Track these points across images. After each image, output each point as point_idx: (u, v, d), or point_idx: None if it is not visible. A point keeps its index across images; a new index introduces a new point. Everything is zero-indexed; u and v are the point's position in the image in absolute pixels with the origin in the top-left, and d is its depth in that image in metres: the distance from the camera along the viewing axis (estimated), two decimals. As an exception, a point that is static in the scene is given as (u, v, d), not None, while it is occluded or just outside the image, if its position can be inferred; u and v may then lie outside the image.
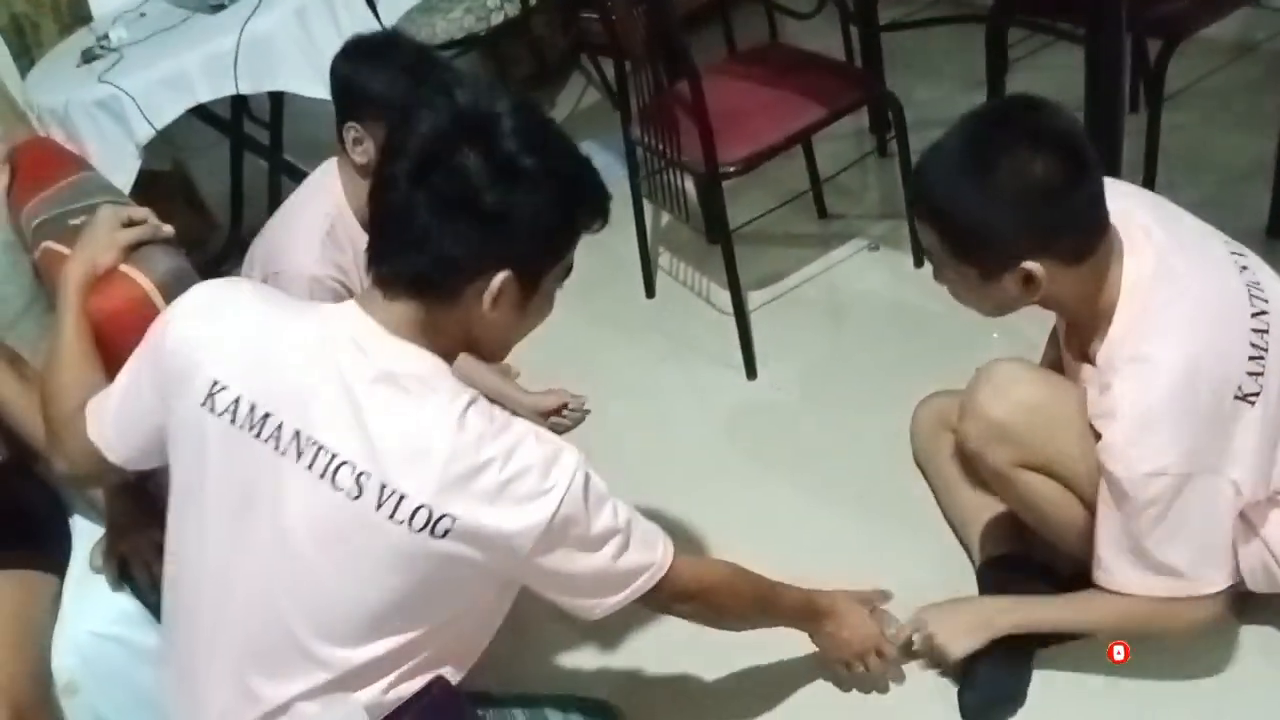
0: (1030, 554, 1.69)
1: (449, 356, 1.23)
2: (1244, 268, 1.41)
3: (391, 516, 1.14)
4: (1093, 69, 1.79)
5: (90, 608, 1.58)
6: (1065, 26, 2.28)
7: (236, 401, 1.19)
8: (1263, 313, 1.37)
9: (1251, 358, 1.34)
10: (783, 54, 2.57)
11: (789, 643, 1.75)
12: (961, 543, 1.82)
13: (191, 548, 1.24)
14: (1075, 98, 1.85)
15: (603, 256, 2.84)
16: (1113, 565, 1.41)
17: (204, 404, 1.20)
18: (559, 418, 2.28)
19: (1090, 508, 1.43)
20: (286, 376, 1.19)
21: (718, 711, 1.73)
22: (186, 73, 2.47)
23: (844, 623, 1.62)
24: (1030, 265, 1.33)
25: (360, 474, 1.14)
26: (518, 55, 3.62)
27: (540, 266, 1.21)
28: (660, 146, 2.31)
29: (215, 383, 1.20)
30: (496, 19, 3.14)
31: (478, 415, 1.18)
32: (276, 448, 1.17)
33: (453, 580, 1.20)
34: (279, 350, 1.21)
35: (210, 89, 2.52)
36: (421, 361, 1.19)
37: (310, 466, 1.16)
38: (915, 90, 2.88)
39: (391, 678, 1.22)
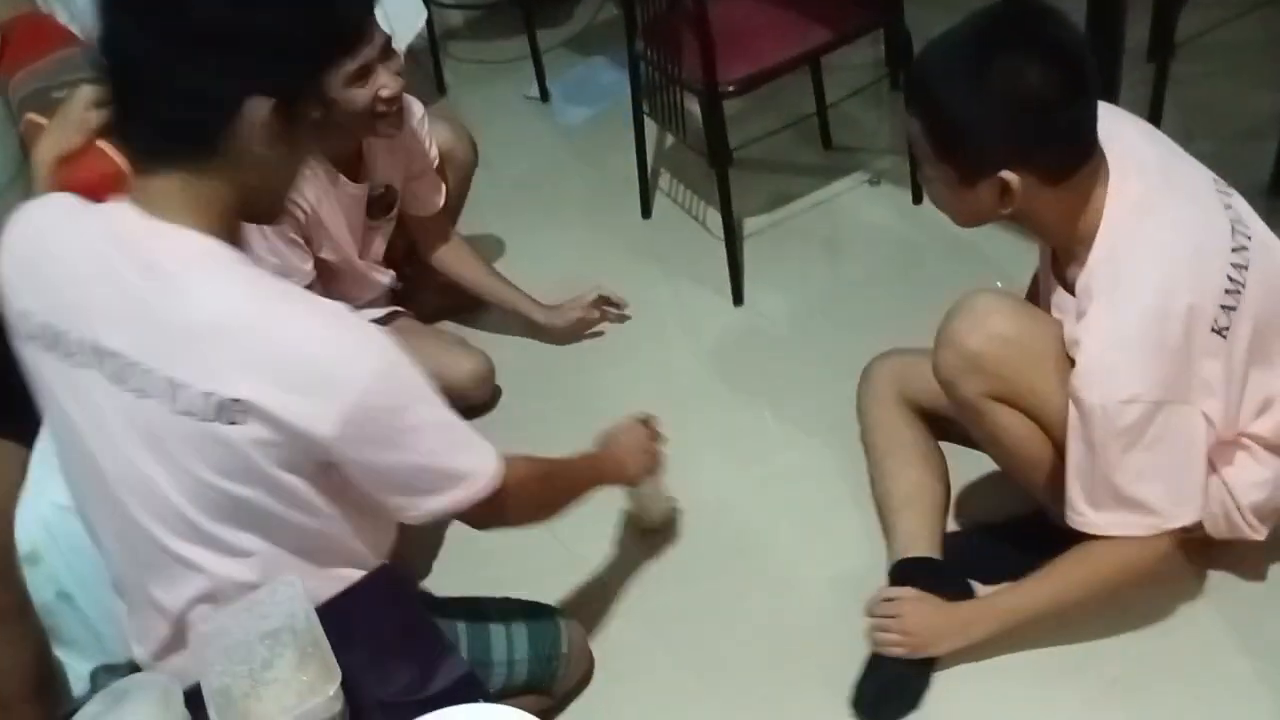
0: (945, 563, 1.66)
1: (223, 232, 1.15)
2: (1229, 205, 1.40)
3: (182, 409, 1.11)
4: (1094, 10, 1.74)
5: (56, 480, 1.57)
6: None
7: (40, 325, 1.18)
8: (1243, 248, 1.36)
9: (1227, 291, 1.33)
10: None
11: (744, 565, 1.78)
12: (881, 522, 1.76)
13: (73, 476, 1.27)
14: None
15: (602, 174, 2.83)
16: (1083, 505, 1.40)
17: (22, 333, 1.20)
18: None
19: (1059, 448, 1.43)
20: (72, 289, 1.17)
21: (670, 622, 1.75)
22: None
23: (618, 445, 1.64)
24: (1008, 175, 1.31)
25: (145, 370, 1.12)
26: (535, -36, 3.54)
27: (293, 85, 1.13)
28: (663, 63, 2.28)
29: (22, 312, 1.20)
30: (513, -75, 3.08)
31: (266, 291, 1.14)
32: (79, 363, 1.16)
33: (268, 470, 1.14)
34: (65, 264, 1.18)
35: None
36: (190, 242, 1.12)
37: (106, 374, 1.14)
38: (933, 26, 2.81)
39: None
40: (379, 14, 2.70)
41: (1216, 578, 1.60)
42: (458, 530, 1.92)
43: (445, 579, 1.86)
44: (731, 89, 2.12)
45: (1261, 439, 1.45)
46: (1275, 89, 2.21)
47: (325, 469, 1.17)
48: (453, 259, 2.27)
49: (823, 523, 1.86)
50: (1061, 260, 1.44)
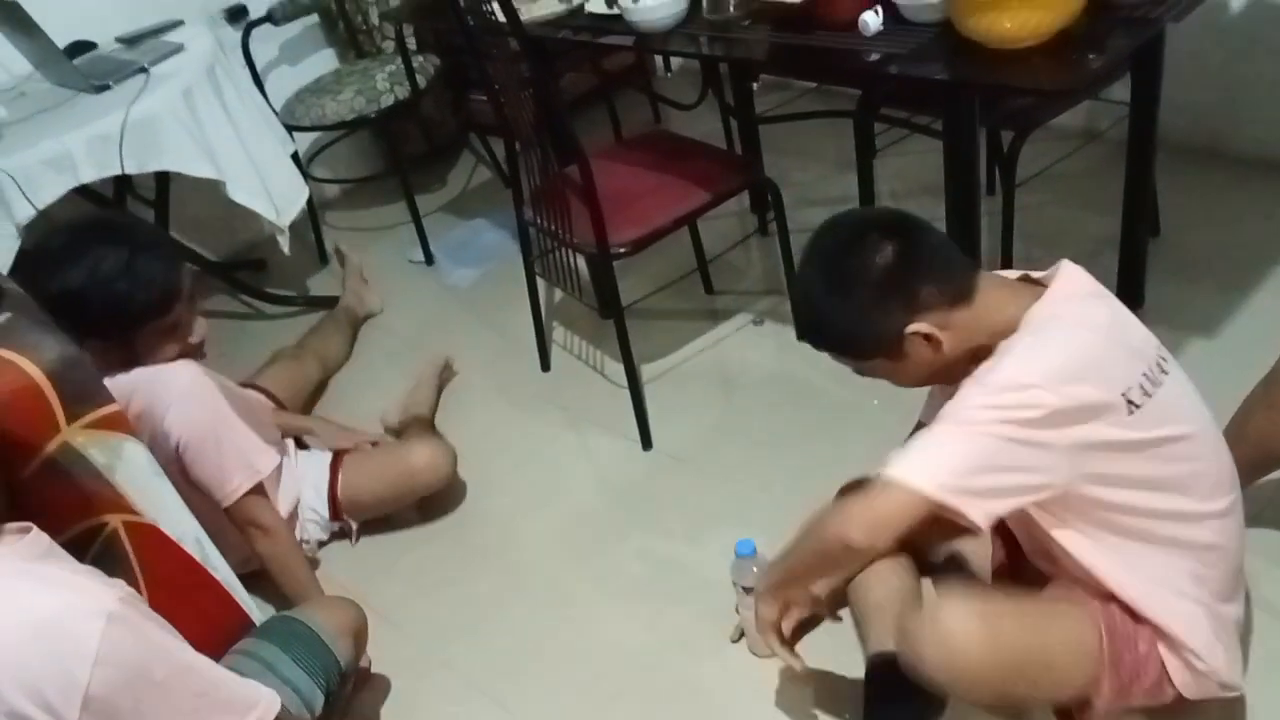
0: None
1: None
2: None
3: None
4: (950, 159, 1.94)
5: None
6: (923, 120, 2.45)
7: None
8: (1162, 371, 1.41)
9: (1144, 375, 1.37)
10: (668, 140, 2.69)
11: (698, 707, 1.79)
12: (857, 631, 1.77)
13: None
14: (934, 181, 2.01)
15: (496, 331, 2.90)
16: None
17: None
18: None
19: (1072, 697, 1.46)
20: None
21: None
22: (70, 153, 2.45)
23: None
24: (915, 327, 1.42)
25: None
26: (407, 134, 3.67)
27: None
28: (553, 227, 2.39)
29: None
30: (386, 101, 3.19)
31: None
32: None
33: None
34: None
35: (94, 169, 2.49)
36: None
37: None
38: (791, 174, 3.03)
39: None
40: (262, 196, 2.78)
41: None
42: None
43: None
44: (623, 250, 2.24)
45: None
46: (1105, 213, 2.46)
47: None
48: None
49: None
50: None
